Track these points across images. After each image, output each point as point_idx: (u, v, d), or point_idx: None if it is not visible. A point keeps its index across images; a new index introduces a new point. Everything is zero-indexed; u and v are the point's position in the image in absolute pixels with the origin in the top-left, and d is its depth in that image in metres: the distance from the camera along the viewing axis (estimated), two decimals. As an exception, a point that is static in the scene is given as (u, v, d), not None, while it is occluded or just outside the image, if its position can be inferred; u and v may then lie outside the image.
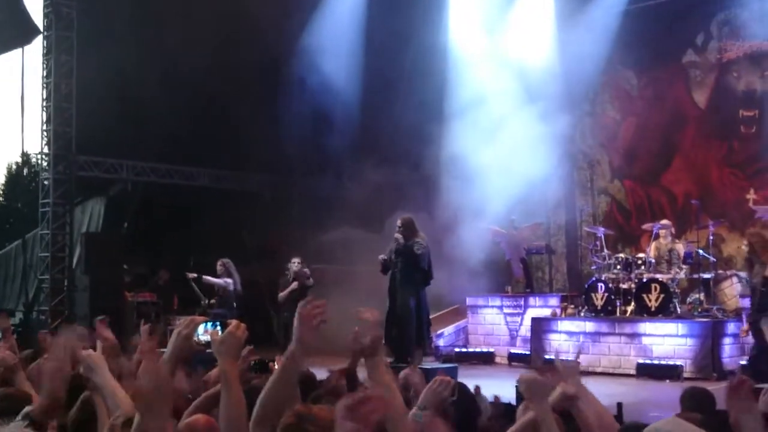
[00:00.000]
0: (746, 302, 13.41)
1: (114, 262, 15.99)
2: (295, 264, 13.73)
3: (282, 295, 13.71)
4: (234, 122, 16.60)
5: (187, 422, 3.58)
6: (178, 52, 15.22)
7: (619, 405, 7.01)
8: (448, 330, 16.18)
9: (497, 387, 7.70)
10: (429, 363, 11.94)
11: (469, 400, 4.95)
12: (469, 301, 16.41)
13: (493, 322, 15.92)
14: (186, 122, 16.11)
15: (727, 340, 12.89)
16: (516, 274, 16.20)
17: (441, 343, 15.79)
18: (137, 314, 15.07)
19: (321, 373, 5.91)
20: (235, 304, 14.22)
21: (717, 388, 7.23)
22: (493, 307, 16.08)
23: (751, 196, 14.37)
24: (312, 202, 18.29)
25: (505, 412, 5.51)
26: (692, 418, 3.37)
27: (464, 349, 15.76)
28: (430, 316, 12.77)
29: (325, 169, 18.31)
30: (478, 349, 15.68)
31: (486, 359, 15.32)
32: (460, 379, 7.14)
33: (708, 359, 12.71)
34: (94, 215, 18.26)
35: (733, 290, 13.98)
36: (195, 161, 17.92)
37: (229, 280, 14.29)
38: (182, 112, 15.91)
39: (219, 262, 14.42)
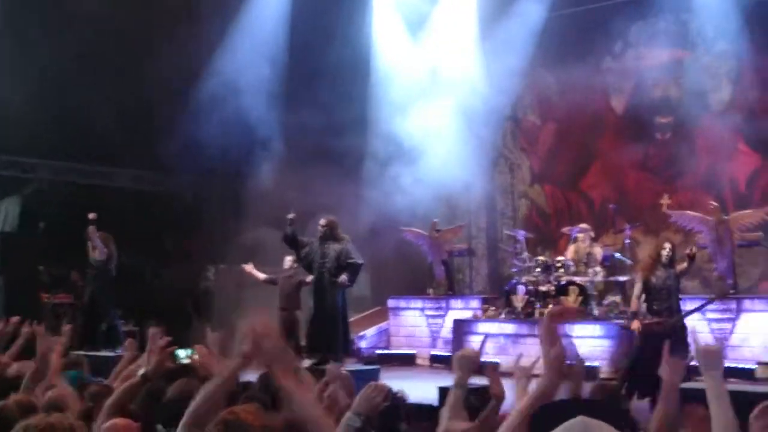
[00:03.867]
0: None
1: (30, 263, 15.66)
2: (288, 261, 13.57)
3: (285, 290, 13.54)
4: (156, 123, 16.35)
5: (106, 427, 3.54)
6: (98, 50, 14.95)
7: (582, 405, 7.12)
8: (370, 332, 16.22)
9: (419, 388, 7.75)
10: (351, 365, 11.98)
11: (392, 404, 4.96)
12: (390, 303, 16.49)
13: (415, 324, 16.01)
14: (106, 122, 15.81)
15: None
16: (437, 276, 16.33)
17: (363, 344, 15.83)
18: (53, 315, 14.77)
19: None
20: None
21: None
22: (414, 309, 16.18)
23: (666, 201, 14.72)
24: (233, 203, 18.13)
25: (426, 414, 5.55)
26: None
27: (386, 351, 15.83)
28: (353, 318, 12.80)
29: (247, 170, 18.15)
30: (399, 351, 15.77)
31: (407, 361, 15.41)
32: (381, 381, 7.19)
33: (624, 360, 12.98)
34: (10, 215, 17.81)
35: (649, 292, 14.34)
36: (115, 162, 17.61)
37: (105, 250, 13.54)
38: (103, 112, 15.61)
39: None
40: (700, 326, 12.99)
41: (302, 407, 3.17)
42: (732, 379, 11.79)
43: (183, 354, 4.74)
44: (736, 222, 13.30)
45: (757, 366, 11.77)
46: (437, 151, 15.74)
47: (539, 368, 3.22)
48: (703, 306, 10.94)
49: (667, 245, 10.21)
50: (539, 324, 2.94)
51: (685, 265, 10.41)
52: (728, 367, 12.24)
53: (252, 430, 2.91)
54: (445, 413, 3.62)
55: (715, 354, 3.17)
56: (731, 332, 12.84)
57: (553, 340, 2.95)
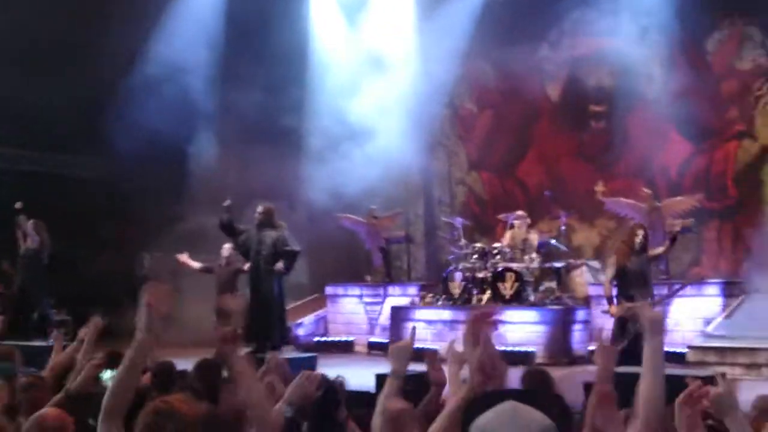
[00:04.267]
0: (595, 290, 13.99)
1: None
2: (227, 249, 13.43)
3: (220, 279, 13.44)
4: (94, 108, 16.05)
5: (35, 417, 3.48)
6: (36, 37, 14.62)
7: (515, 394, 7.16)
8: (308, 319, 16.19)
9: (357, 375, 7.75)
10: (288, 353, 11.94)
11: (329, 392, 4.96)
12: (328, 290, 16.47)
13: (353, 311, 16.03)
14: (43, 108, 15.47)
15: (576, 327, 13.40)
16: (375, 263, 16.35)
17: (300, 332, 15.80)
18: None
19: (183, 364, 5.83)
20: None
21: (567, 373, 7.53)
22: (352, 296, 16.20)
23: (600, 188, 14.91)
24: (172, 190, 17.89)
25: (365, 401, 5.54)
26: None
27: (324, 339, 15.82)
28: (290, 306, 12.74)
29: (186, 156, 17.94)
30: (337, 338, 15.77)
31: (345, 348, 15.42)
32: (319, 369, 7.18)
33: (559, 345, 13.20)
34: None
35: (583, 279, 14.57)
36: (52, 148, 17.25)
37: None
38: (40, 98, 15.27)
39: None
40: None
41: (250, 393, 3.16)
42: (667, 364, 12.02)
43: (108, 375, 4.65)
44: (668, 209, 13.56)
45: (688, 350, 12.01)
46: (375, 138, 15.76)
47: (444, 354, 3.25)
48: (677, 291, 10.99)
49: (640, 232, 10.11)
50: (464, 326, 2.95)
51: (661, 249, 10.49)
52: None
53: (183, 419, 2.88)
54: (381, 402, 3.63)
55: (658, 320, 3.25)
56: (664, 317, 13.08)
57: (476, 342, 2.96)
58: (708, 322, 12.58)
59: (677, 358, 12.14)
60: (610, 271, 10.29)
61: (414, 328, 3.76)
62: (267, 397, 3.57)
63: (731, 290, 12.86)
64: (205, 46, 16.54)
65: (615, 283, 10.07)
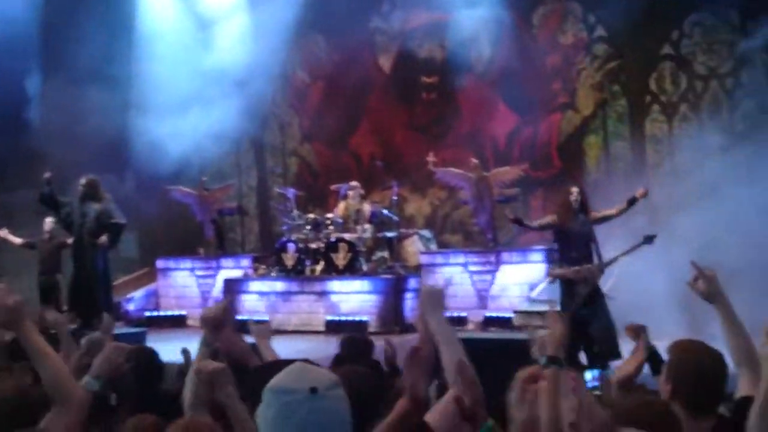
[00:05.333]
0: (426, 258, 14.25)
1: None
2: (49, 223, 12.77)
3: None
4: None
5: None
6: None
7: (307, 361, 7.15)
8: (138, 294, 15.81)
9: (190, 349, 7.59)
10: (116, 328, 11.58)
11: (149, 364, 4.82)
12: (159, 263, 16.12)
13: (185, 285, 15.76)
14: None
15: (408, 295, 13.59)
16: (207, 235, 16.07)
17: (131, 307, 15.43)
18: None
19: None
20: None
21: (399, 341, 7.61)
22: (184, 269, 15.92)
23: (431, 158, 15.11)
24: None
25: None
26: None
27: (155, 313, 15.48)
28: (120, 281, 12.39)
29: (3, 129, 17.04)
30: (169, 313, 15.45)
31: (178, 322, 15.12)
32: (150, 344, 6.98)
33: (391, 314, 13.37)
34: None
35: (415, 248, 14.80)
36: None
37: None
38: None
39: None
40: (462, 278, 13.61)
41: (48, 367, 3.01)
42: (492, 328, 12.42)
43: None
44: (495, 178, 13.91)
45: (514, 315, 12.40)
46: (206, 108, 15.45)
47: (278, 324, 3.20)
48: (628, 251, 9.47)
49: (574, 189, 9.49)
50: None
51: (611, 211, 9.60)
52: (489, 317, 12.92)
53: None
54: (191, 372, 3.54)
55: (437, 296, 3.25)
56: (491, 283, 13.49)
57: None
58: (533, 287, 13.03)
59: (505, 322, 12.56)
60: (541, 221, 9.98)
61: (230, 300, 3.67)
62: (73, 372, 3.42)
63: (554, 256, 13.30)
64: (21, 20, 15.66)
65: (557, 245, 9.70)
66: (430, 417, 2.90)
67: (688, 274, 3.56)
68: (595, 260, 9.33)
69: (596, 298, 9.16)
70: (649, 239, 9.06)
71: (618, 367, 3.95)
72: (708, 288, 3.46)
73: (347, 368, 3.73)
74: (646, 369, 4.22)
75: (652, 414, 2.76)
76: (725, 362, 3.10)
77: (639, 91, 14.55)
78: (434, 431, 2.78)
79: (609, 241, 9.80)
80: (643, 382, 4.33)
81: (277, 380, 2.26)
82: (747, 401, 3.03)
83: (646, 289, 10.12)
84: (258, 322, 4.38)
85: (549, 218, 9.75)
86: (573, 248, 9.36)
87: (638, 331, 4.33)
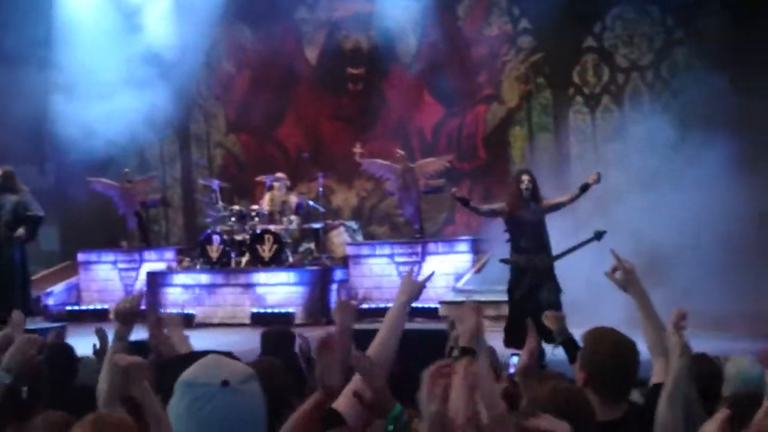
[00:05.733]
0: (353, 250, 14.23)
1: None
2: None
3: None
4: None
5: None
6: None
7: (229, 353, 7.07)
8: (58, 288, 15.48)
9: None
10: (35, 323, 11.35)
11: (65, 357, 4.72)
12: (81, 257, 15.81)
13: (107, 278, 15.50)
14: None
15: (335, 287, 13.56)
16: (130, 228, 15.81)
17: (51, 301, 15.10)
18: None
19: None
20: None
21: (323, 332, 7.57)
22: (106, 262, 15.66)
23: (358, 150, 15.10)
24: None
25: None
26: None
27: (76, 307, 15.18)
28: (40, 275, 12.11)
29: None
30: (91, 307, 15.17)
31: (100, 316, 14.79)
32: (70, 339, 6.83)
33: (318, 305, 13.32)
34: None
35: (341, 239, 14.76)
36: None
37: None
38: None
39: None
40: (389, 269, 13.62)
41: None
42: (418, 318, 12.44)
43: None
44: (421, 169, 13.95)
45: (440, 305, 12.45)
46: (128, 98, 15.15)
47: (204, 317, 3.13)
48: (577, 247, 9.28)
49: (525, 177, 9.14)
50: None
51: (564, 198, 9.34)
52: (415, 307, 12.92)
53: None
54: (105, 366, 3.45)
55: (416, 286, 3.31)
56: (417, 274, 13.48)
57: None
58: (459, 277, 13.12)
59: (431, 313, 12.60)
60: (487, 207, 9.72)
61: (143, 292, 3.61)
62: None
63: (479, 246, 13.43)
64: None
65: (508, 235, 9.27)
66: (340, 404, 2.88)
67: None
68: (547, 249, 9.14)
69: (546, 285, 9.03)
70: (599, 235, 8.85)
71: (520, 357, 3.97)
72: (625, 279, 3.51)
73: (264, 361, 3.69)
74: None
75: (566, 401, 2.78)
76: (637, 349, 3.15)
77: (563, 83, 14.74)
78: (344, 418, 2.75)
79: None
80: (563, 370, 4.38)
81: (189, 373, 2.22)
82: (660, 388, 3.08)
83: (588, 280, 10.09)
84: (169, 312, 4.29)
85: (498, 205, 9.49)
86: (522, 237, 9.12)
87: (557, 320, 4.37)
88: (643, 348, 3.44)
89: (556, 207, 9.30)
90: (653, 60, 14.06)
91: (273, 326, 6.08)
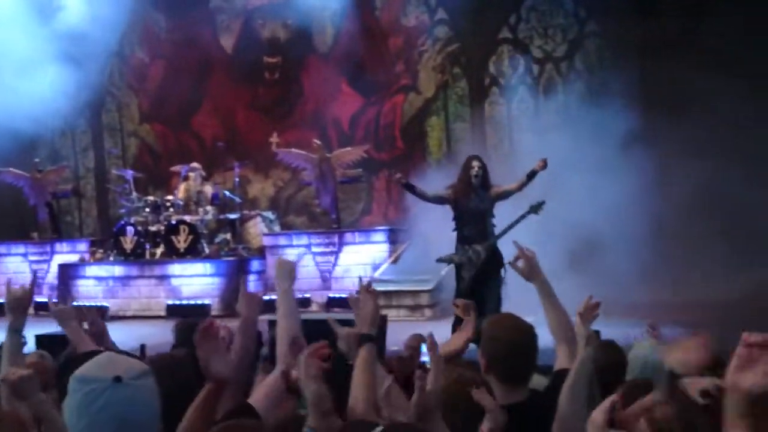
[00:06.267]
0: (269, 240, 14.14)
1: None
2: None
3: None
4: None
5: None
6: None
7: (143, 346, 6.96)
8: (-34, 282, 15.02)
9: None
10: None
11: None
12: (-10, 249, 15.41)
13: (17, 271, 15.08)
14: None
15: (251, 277, 13.46)
16: (41, 219, 15.45)
17: (-44, 296, 14.63)
18: None
19: None
20: None
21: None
22: (16, 254, 15.32)
23: (275, 139, 15.01)
24: None
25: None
26: None
27: (-6, 301, 14.78)
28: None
29: None
30: (1, 300, 14.75)
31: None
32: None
33: (234, 297, 13.07)
34: None
35: (257, 229, 14.65)
36: None
37: None
38: None
39: None
40: (305, 259, 13.56)
41: None
42: (335, 309, 12.43)
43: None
44: (337, 159, 13.92)
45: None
46: (37, 87, 14.75)
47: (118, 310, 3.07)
48: (515, 222, 8.90)
49: (476, 163, 8.90)
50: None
51: (513, 186, 8.96)
52: (332, 298, 12.93)
53: None
54: (4, 361, 3.36)
55: (288, 267, 3.40)
56: (335, 264, 13.50)
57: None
58: (376, 267, 13.14)
59: (347, 303, 12.56)
60: (434, 193, 9.17)
61: (35, 281, 3.51)
62: None
63: (396, 237, 13.47)
64: None
65: (454, 224, 9.02)
66: (254, 399, 2.87)
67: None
68: (490, 238, 8.92)
69: (487, 278, 8.91)
70: (534, 208, 8.77)
71: (445, 342, 4.00)
72: (527, 267, 3.56)
73: (164, 356, 3.64)
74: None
75: (467, 387, 2.80)
76: (535, 334, 3.19)
77: (479, 74, 14.85)
78: (258, 412, 2.74)
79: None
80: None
81: (82, 369, 2.22)
82: (563, 373, 3.12)
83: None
84: (57, 303, 4.17)
85: (445, 192, 9.11)
86: (466, 225, 8.92)
87: (468, 309, 4.39)
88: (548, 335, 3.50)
89: (505, 195, 9.02)
90: (567, 51, 14.27)
91: (186, 318, 5.96)
